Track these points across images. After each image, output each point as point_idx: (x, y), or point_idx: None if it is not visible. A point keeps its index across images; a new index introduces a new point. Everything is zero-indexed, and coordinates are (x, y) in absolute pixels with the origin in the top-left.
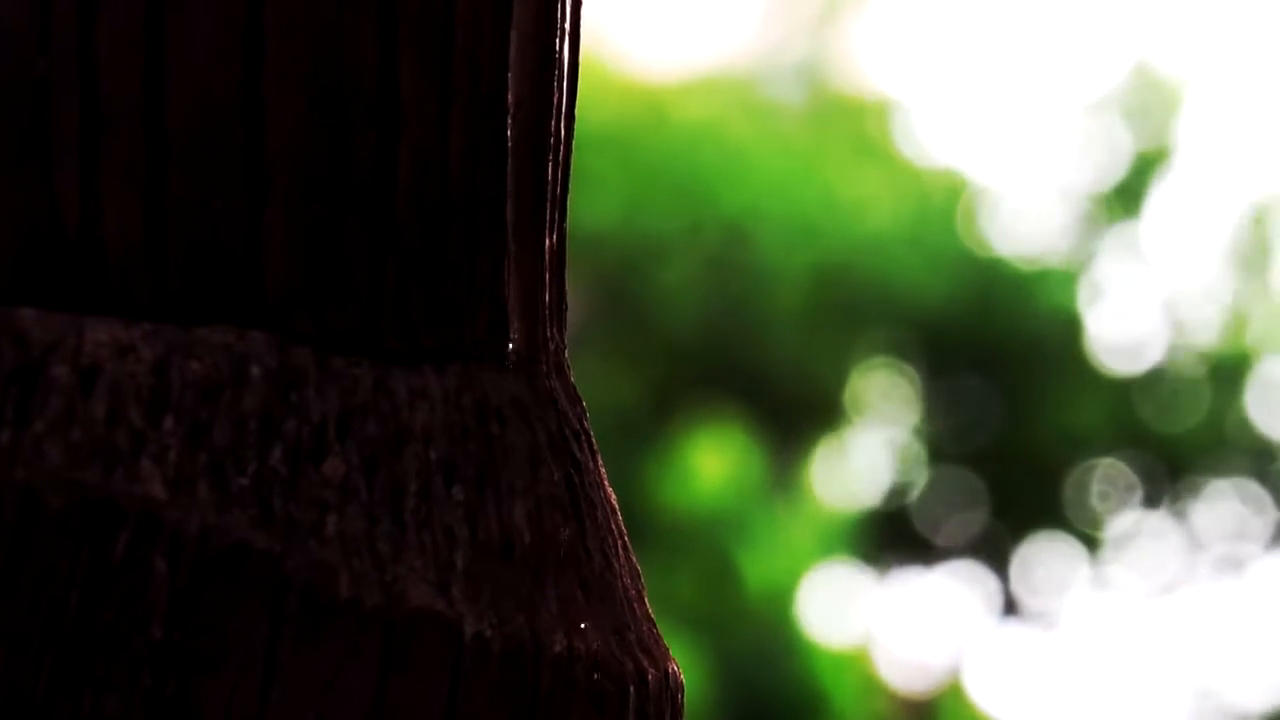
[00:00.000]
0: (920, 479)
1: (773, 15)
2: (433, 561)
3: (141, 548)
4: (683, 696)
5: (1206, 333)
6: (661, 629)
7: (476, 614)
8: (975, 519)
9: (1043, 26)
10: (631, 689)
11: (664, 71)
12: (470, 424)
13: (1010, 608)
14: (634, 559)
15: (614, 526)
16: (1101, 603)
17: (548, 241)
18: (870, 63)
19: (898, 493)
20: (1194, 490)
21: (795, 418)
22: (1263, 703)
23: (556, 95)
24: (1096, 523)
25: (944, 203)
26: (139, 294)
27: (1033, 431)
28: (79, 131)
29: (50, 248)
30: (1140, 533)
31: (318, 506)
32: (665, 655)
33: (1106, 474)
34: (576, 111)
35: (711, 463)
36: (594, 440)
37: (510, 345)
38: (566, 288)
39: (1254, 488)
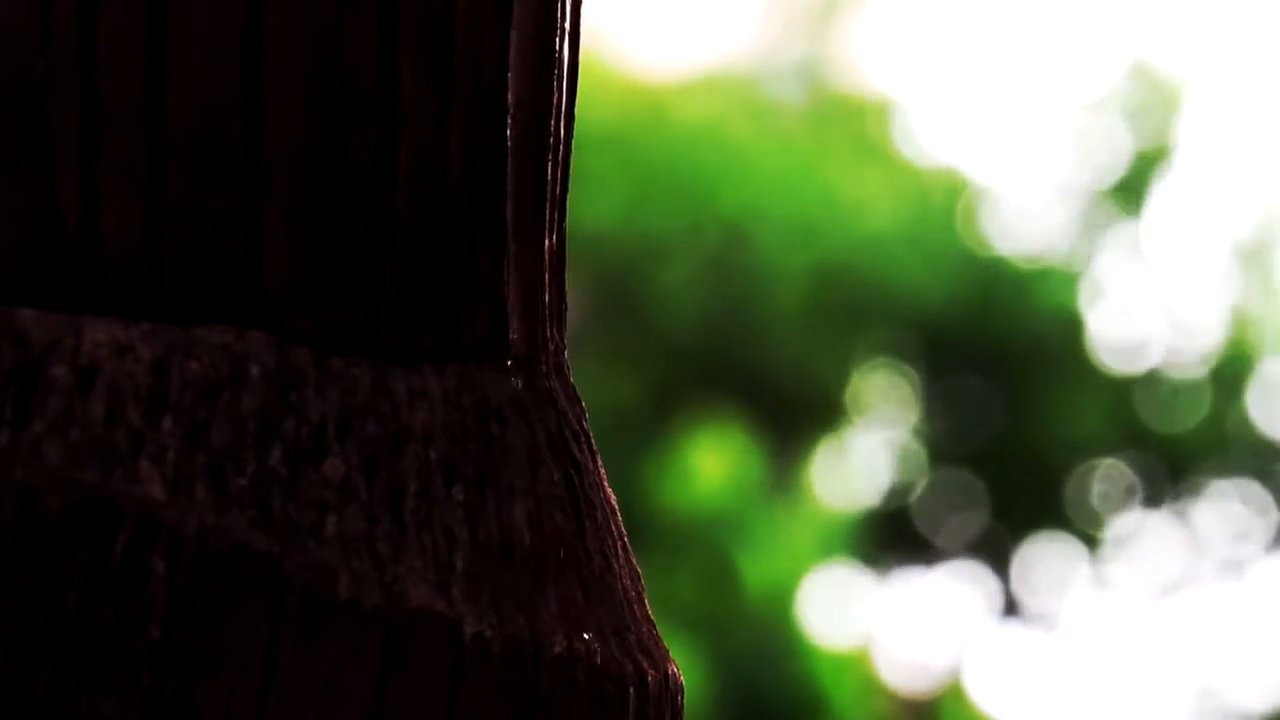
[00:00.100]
0: (920, 479)
1: (773, 15)
2: (433, 562)
3: (140, 548)
4: (682, 698)
5: (1207, 333)
6: (661, 630)
7: (476, 614)
8: (975, 519)
9: (1042, 26)
10: (631, 690)
11: (664, 71)
12: (470, 424)
13: (1010, 608)
14: (634, 560)
15: (614, 527)
16: (1102, 603)
17: (547, 241)
18: (870, 62)
19: (898, 493)
20: (1195, 491)
21: (795, 418)
22: (1263, 703)
23: (556, 95)
24: (1097, 523)
25: (944, 202)
26: (138, 294)
27: (1033, 431)
28: (78, 131)
29: (49, 248)
30: (1141, 533)
31: (317, 507)
32: (665, 656)
33: (1107, 474)
34: (576, 111)
35: (711, 463)
36: (594, 441)
37: (510, 345)
38: (566, 288)
39: (1255, 488)
